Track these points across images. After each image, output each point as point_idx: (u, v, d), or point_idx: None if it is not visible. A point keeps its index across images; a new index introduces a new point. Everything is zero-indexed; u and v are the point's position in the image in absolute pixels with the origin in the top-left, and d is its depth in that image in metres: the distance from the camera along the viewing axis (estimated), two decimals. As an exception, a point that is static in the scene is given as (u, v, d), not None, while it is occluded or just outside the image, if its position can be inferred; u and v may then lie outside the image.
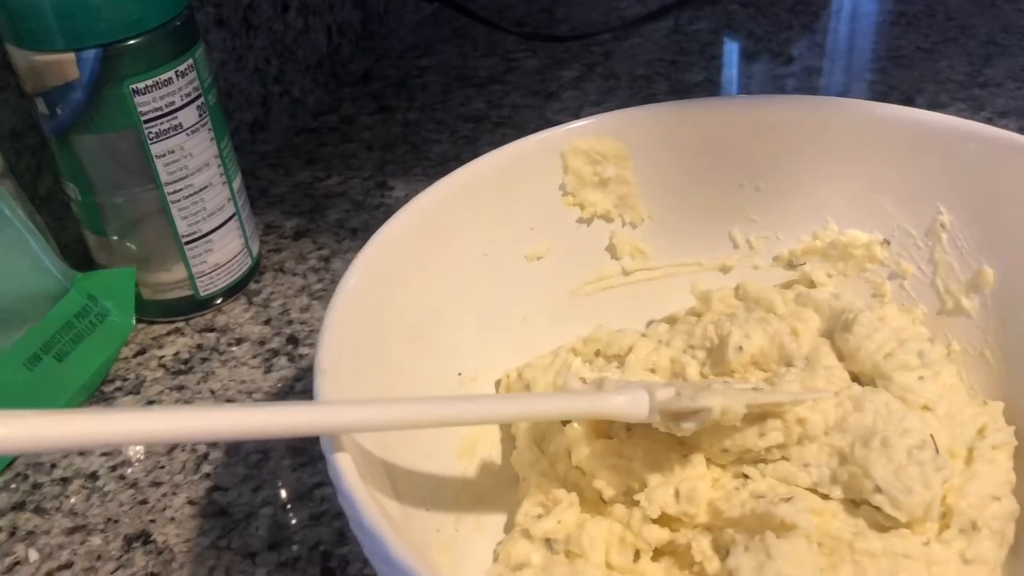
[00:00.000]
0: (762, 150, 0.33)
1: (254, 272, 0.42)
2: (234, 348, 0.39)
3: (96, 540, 0.31)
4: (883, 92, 0.54)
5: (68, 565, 0.30)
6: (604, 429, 0.28)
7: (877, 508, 0.25)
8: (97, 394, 0.37)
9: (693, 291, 0.34)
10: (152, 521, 0.31)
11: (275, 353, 0.38)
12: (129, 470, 0.33)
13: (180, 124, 0.36)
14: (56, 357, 0.35)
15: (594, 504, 0.27)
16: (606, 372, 0.31)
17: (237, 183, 0.40)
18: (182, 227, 0.38)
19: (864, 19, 0.64)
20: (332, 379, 0.23)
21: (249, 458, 0.33)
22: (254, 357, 0.38)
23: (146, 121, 0.35)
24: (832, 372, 0.28)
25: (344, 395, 0.23)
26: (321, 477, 0.32)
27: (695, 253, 0.34)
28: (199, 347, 0.39)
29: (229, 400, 0.36)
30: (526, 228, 0.32)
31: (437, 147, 0.52)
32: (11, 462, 0.34)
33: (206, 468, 0.33)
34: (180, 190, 0.37)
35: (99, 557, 0.30)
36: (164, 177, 0.36)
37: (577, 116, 0.40)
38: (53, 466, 0.34)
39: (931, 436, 0.26)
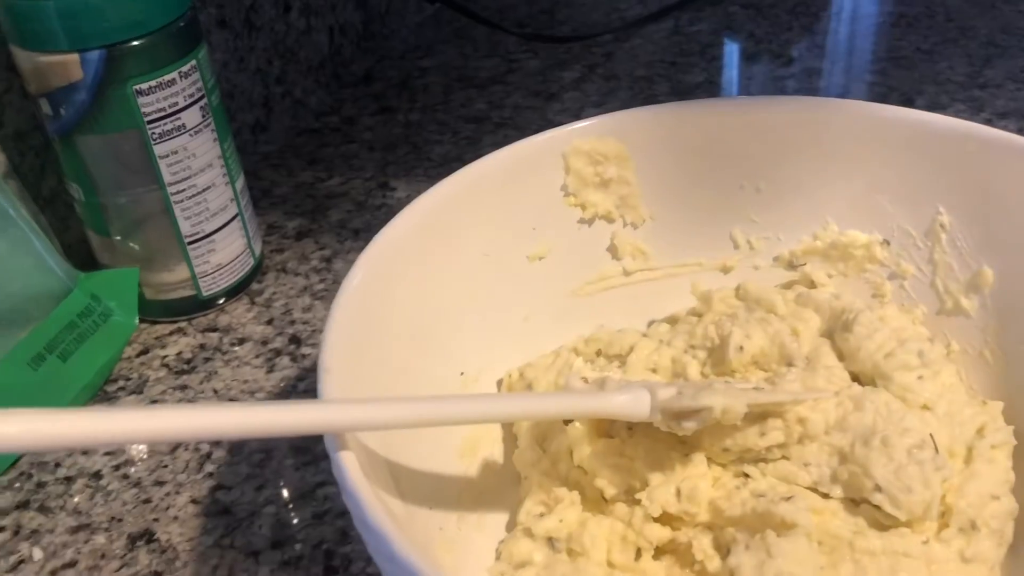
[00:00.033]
0: (762, 151, 0.33)
1: (256, 272, 0.43)
2: (237, 348, 0.39)
3: (100, 539, 0.31)
4: (883, 93, 0.54)
5: (72, 564, 0.30)
6: (606, 428, 0.28)
7: (877, 507, 0.25)
8: (100, 394, 0.37)
9: (694, 291, 0.34)
10: (156, 520, 0.31)
11: (277, 353, 0.38)
12: (132, 469, 0.34)
13: (183, 125, 0.36)
14: (60, 357, 0.35)
15: (596, 503, 0.27)
16: (607, 372, 0.31)
17: (240, 183, 0.40)
18: (185, 227, 0.38)
19: (864, 20, 0.64)
20: (336, 378, 0.23)
21: (252, 457, 0.33)
22: (257, 357, 0.38)
23: (149, 122, 0.35)
24: (832, 372, 0.28)
25: (348, 394, 0.23)
26: (324, 476, 0.32)
27: (696, 253, 0.34)
28: (202, 347, 0.39)
29: (232, 400, 0.36)
30: (528, 228, 0.32)
31: (439, 148, 0.52)
32: (15, 461, 0.34)
33: (209, 467, 0.33)
34: (183, 190, 0.37)
35: (103, 556, 0.30)
36: (167, 177, 0.37)
37: (578, 117, 0.40)
38: (57, 465, 0.34)
39: (931, 435, 0.26)
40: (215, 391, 0.37)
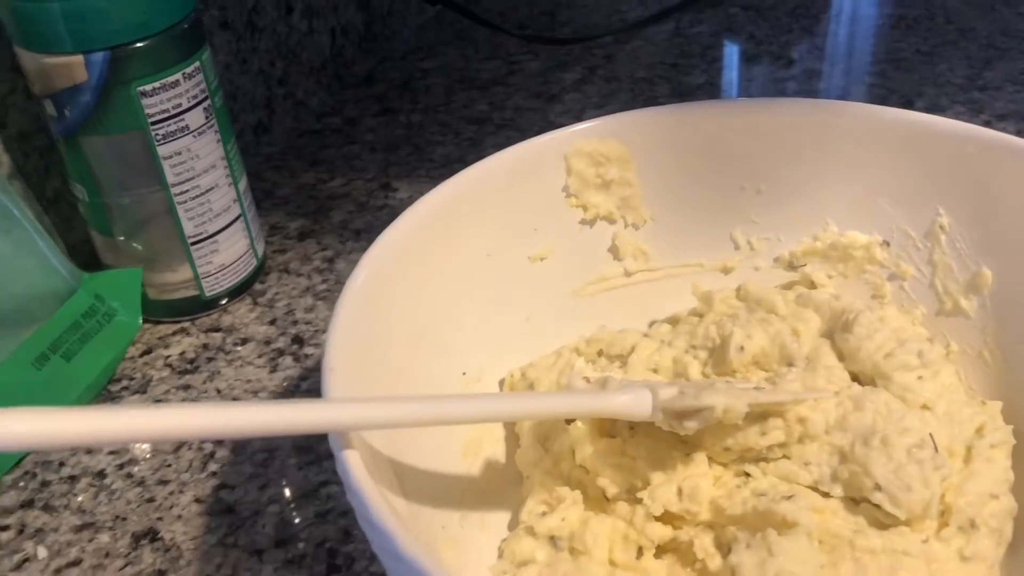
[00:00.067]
0: (763, 152, 0.33)
1: (259, 272, 0.43)
2: (239, 348, 0.39)
3: (104, 537, 0.31)
4: (883, 95, 0.54)
5: (77, 562, 0.30)
6: (607, 428, 0.28)
7: (877, 506, 0.25)
8: (104, 393, 0.37)
9: (695, 292, 0.34)
10: (159, 519, 0.32)
11: (280, 353, 0.39)
12: (136, 468, 0.34)
13: (187, 126, 0.36)
14: (64, 356, 0.35)
15: (598, 502, 0.27)
16: (609, 372, 0.31)
17: (243, 184, 0.40)
18: (188, 228, 0.38)
19: (864, 22, 0.65)
20: (340, 377, 0.23)
21: (255, 457, 0.34)
22: (259, 357, 0.39)
23: (153, 123, 0.35)
24: (832, 372, 0.28)
25: (352, 393, 0.23)
26: (327, 475, 0.33)
27: (697, 254, 0.35)
28: (205, 347, 0.39)
29: (235, 399, 0.36)
30: (530, 229, 0.32)
31: (440, 149, 0.53)
32: (19, 460, 0.34)
33: (213, 466, 0.33)
34: (187, 191, 0.37)
35: (107, 554, 0.30)
36: (171, 178, 0.37)
37: (579, 118, 0.41)
38: (61, 464, 0.34)
39: (930, 435, 0.26)
40: (218, 391, 0.37)
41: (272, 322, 0.40)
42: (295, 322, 0.40)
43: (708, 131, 0.33)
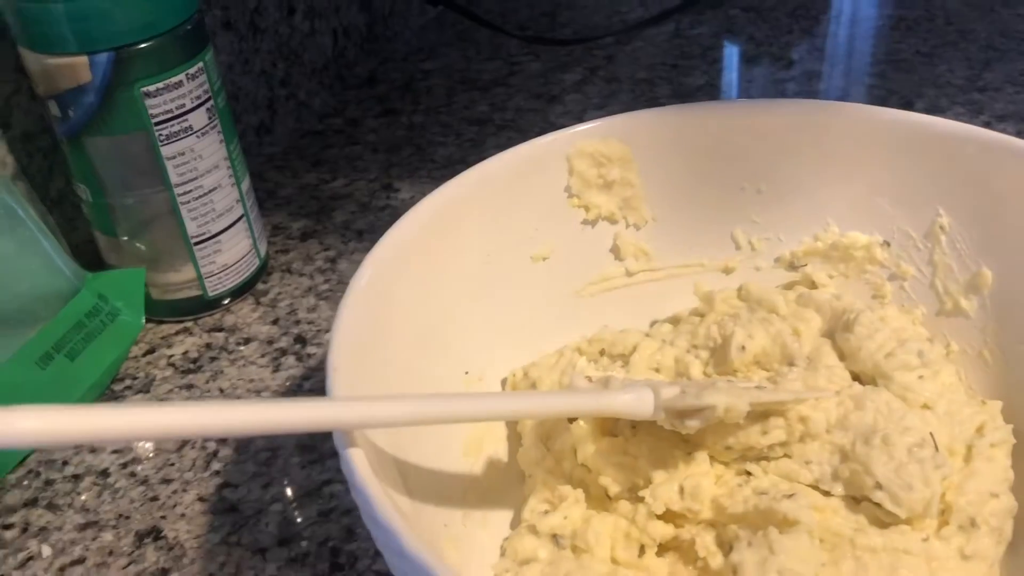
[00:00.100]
0: (763, 153, 0.33)
1: (262, 273, 0.43)
2: (242, 347, 0.39)
3: (108, 536, 0.31)
4: (883, 96, 0.54)
5: (80, 560, 0.30)
6: (609, 427, 0.28)
7: (878, 505, 0.25)
8: (107, 392, 0.37)
9: (696, 292, 0.34)
10: (163, 517, 0.32)
11: (283, 352, 0.39)
12: (140, 467, 0.34)
13: (190, 126, 0.36)
14: (68, 356, 0.35)
15: (600, 500, 0.28)
16: (611, 371, 0.31)
17: (245, 185, 0.41)
18: (191, 228, 0.38)
19: (864, 23, 0.65)
20: (344, 376, 0.23)
21: (258, 455, 0.34)
22: (262, 356, 0.39)
23: (157, 123, 0.35)
24: (833, 371, 0.29)
25: (355, 392, 0.23)
26: (330, 474, 0.33)
27: (698, 254, 0.35)
28: (208, 346, 0.39)
29: (238, 399, 0.37)
30: (531, 229, 0.33)
31: (442, 149, 0.53)
32: (23, 459, 0.34)
33: (216, 465, 0.34)
34: (190, 191, 0.37)
35: (111, 553, 0.31)
36: (174, 179, 0.37)
37: (580, 119, 0.41)
38: (65, 463, 0.34)
39: (931, 434, 0.26)
40: (221, 390, 0.37)
41: (275, 322, 0.41)
42: (297, 322, 0.41)
43: (709, 132, 0.33)
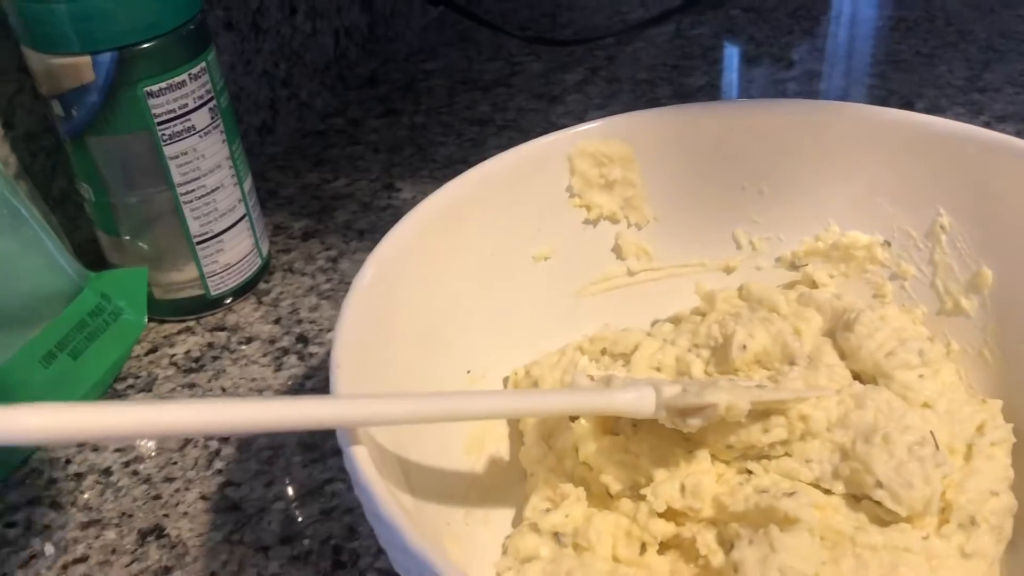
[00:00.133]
0: (764, 153, 0.33)
1: (264, 272, 0.43)
2: (244, 347, 0.39)
3: (111, 534, 0.31)
4: (883, 96, 0.54)
5: (83, 559, 0.30)
6: (611, 425, 0.28)
7: (878, 503, 0.25)
8: (110, 391, 0.38)
9: (697, 291, 0.34)
10: (165, 516, 0.32)
11: (285, 352, 0.39)
12: (142, 466, 0.34)
13: (193, 126, 0.37)
14: (71, 355, 0.35)
15: (601, 499, 0.28)
16: (612, 370, 0.32)
17: (248, 184, 0.41)
18: (194, 227, 0.38)
19: (864, 24, 0.65)
20: (347, 374, 0.23)
21: (261, 454, 0.34)
22: (264, 355, 0.39)
23: (160, 123, 0.36)
24: (834, 370, 0.29)
25: (358, 390, 0.23)
26: (331, 473, 0.33)
27: (699, 254, 0.35)
28: (210, 345, 0.40)
29: (242, 396, 0.37)
30: (533, 229, 0.33)
31: (443, 149, 0.53)
32: (26, 459, 0.34)
33: (218, 464, 0.34)
34: (192, 191, 0.38)
35: (114, 551, 0.31)
36: (177, 178, 0.37)
37: (581, 119, 0.41)
38: (68, 462, 0.34)
39: (931, 433, 0.26)
40: (223, 389, 0.37)
41: (276, 321, 0.41)
42: (299, 321, 0.41)
43: (710, 132, 0.33)
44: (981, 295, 0.31)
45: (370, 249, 0.28)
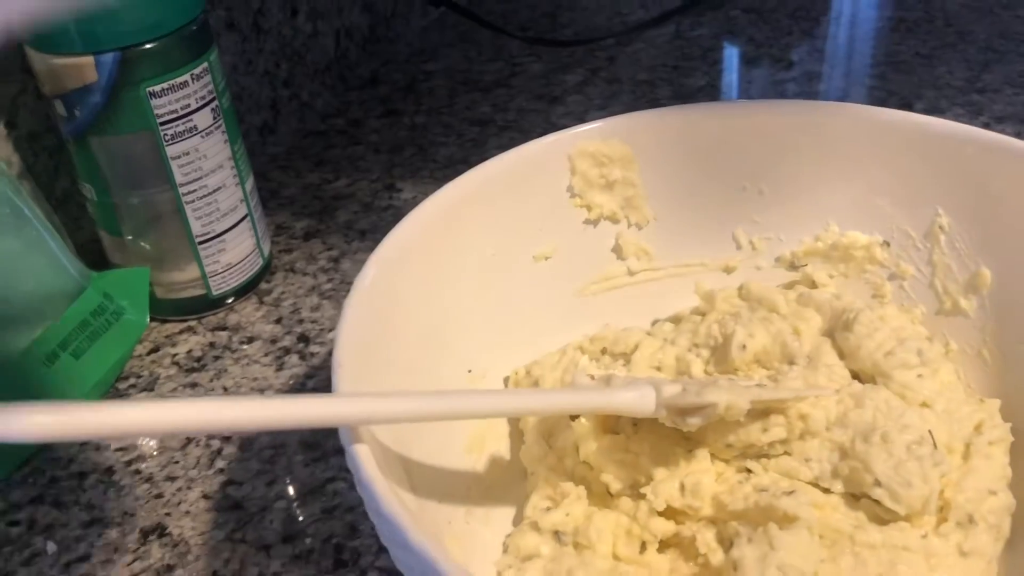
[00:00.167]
0: (764, 153, 0.34)
1: (265, 272, 0.43)
2: (246, 346, 0.39)
3: (113, 533, 0.31)
4: (882, 97, 0.54)
5: (86, 557, 0.31)
6: (611, 425, 0.28)
7: (877, 501, 0.26)
8: (112, 391, 0.38)
9: (697, 291, 0.34)
10: (167, 514, 0.32)
11: (286, 351, 0.39)
12: (144, 465, 0.34)
13: (195, 126, 0.37)
14: (73, 354, 0.35)
15: (601, 497, 0.28)
16: (612, 370, 0.32)
17: (249, 184, 0.41)
18: (196, 227, 0.38)
19: (864, 25, 0.65)
20: (349, 373, 0.24)
21: (263, 453, 0.34)
22: (266, 355, 0.39)
23: (162, 123, 0.36)
24: (833, 370, 0.29)
25: (360, 389, 0.24)
26: (333, 472, 0.33)
27: (699, 254, 0.35)
28: (212, 345, 0.40)
29: (244, 395, 0.37)
30: (534, 229, 0.33)
31: (444, 150, 0.53)
32: (28, 458, 0.34)
33: (220, 463, 0.34)
34: (194, 191, 0.38)
35: (116, 549, 0.31)
36: (179, 178, 0.37)
37: (582, 120, 0.41)
38: (70, 461, 0.34)
39: (929, 432, 0.26)
40: (225, 389, 0.37)
41: (278, 321, 0.41)
42: (301, 321, 0.41)
43: (710, 132, 0.33)
44: (980, 295, 0.31)
45: (371, 249, 0.28)
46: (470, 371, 0.31)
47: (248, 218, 0.41)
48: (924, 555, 0.25)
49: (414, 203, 0.30)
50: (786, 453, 0.27)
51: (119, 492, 0.33)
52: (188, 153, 0.37)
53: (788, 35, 0.64)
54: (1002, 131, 0.38)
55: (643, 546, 0.27)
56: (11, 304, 0.34)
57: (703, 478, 0.27)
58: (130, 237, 0.38)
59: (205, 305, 0.41)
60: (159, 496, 0.33)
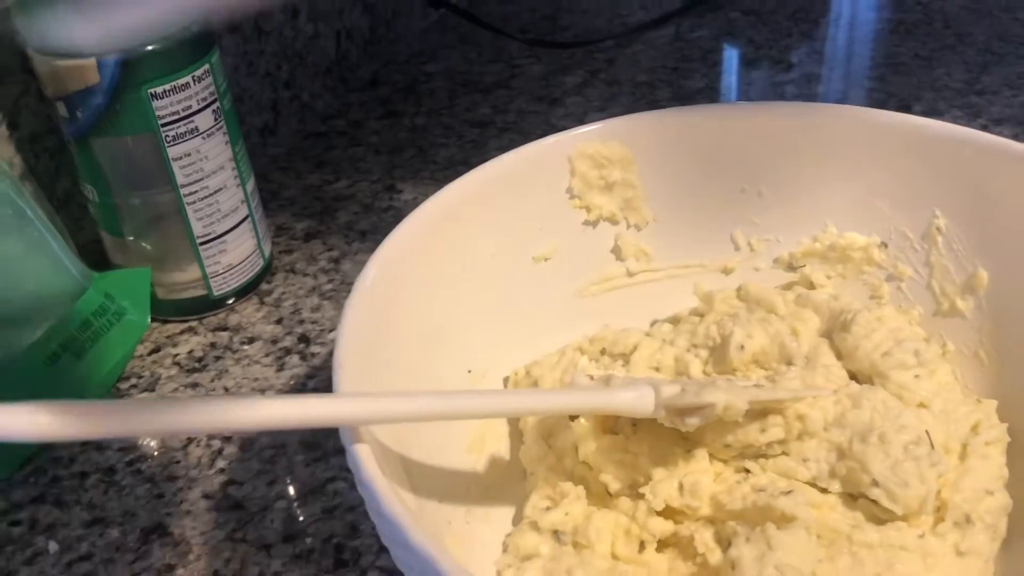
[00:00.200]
0: (763, 155, 0.34)
1: (266, 273, 0.43)
2: (247, 347, 0.40)
3: (114, 532, 0.32)
4: (881, 99, 0.55)
5: (87, 557, 0.31)
6: (610, 425, 0.29)
7: (874, 501, 0.26)
8: (113, 391, 0.38)
9: (696, 292, 0.35)
10: (168, 514, 0.32)
11: (287, 352, 0.39)
12: (145, 465, 0.34)
13: (196, 128, 0.37)
14: (75, 354, 0.35)
15: (600, 497, 0.28)
16: (612, 370, 0.32)
17: (250, 185, 0.41)
18: (197, 228, 0.39)
19: (863, 27, 0.65)
20: (349, 373, 0.24)
21: (263, 453, 0.34)
22: (266, 356, 0.39)
23: (164, 125, 0.36)
24: (831, 370, 0.29)
25: (361, 389, 0.24)
26: (333, 472, 0.33)
27: (698, 255, 0.35)
28: (212, 345, 0.40)
29: (245, 395, 0.37)
30: (534, 230, 0.33)
31: (444, 151, 0.53)
32: (30, 458, 0.35)
33: (221, 463, 0.34)
34: (195, 192, 0.38)
35: (117, 549, 0.31)
36: (180, 179, 0.37)
37: (581, 121, 0.41)
38: (71, 461, 0.35)
39: (926, 432, 0.27)
40: (226, 389, 0.38)
41: (279, 321, 0.41)
42: (301, 321, 0.41)
43: (709, 134, 0.34)
44: (977, 296, 0.31)
45: (372, 250, 0.28)
46: (470, 371, 0.31)
47: (249, 219, 0.41)
48: (921, 555, 0.25)
49: (414, 204, 0.30)
50: (784, 453, 0.27)
51: (120, 492, 0.33)
52: (189, 154, 0.37)
53: (787, 37, 0.64)
54: (1000, 133, 0.39)
55: (642, 545, 0.27)
56: (13, 304, 0.34)
57: (701, 478, 0.27)
58: (131, 238, 0.39)
59: (206, 306, 0.41)
60: (160, 496, 0.33)
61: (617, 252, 0.35)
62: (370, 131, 0.56)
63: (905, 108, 0.53)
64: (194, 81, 0.36)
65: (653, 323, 0.35)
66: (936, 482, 0.26)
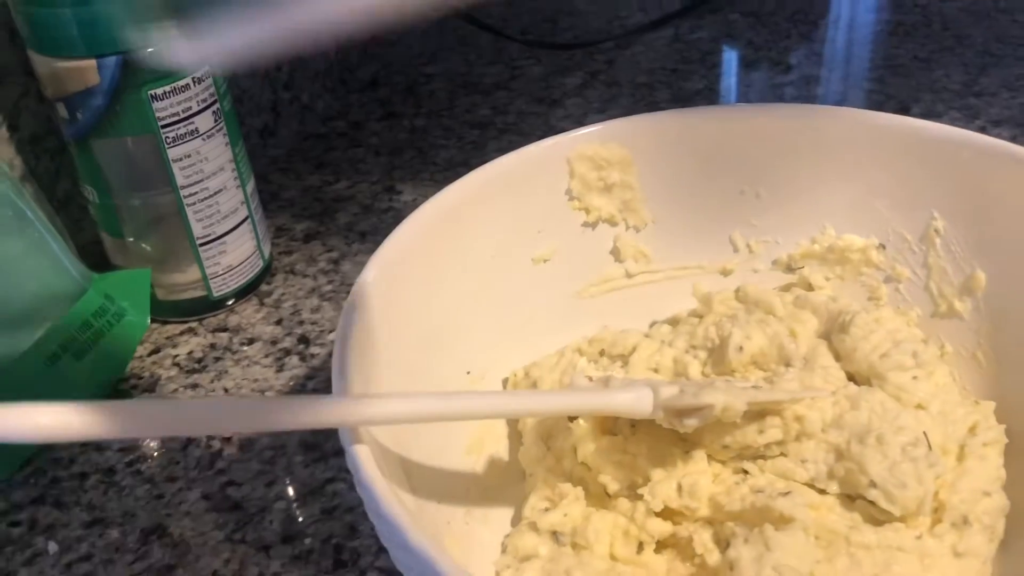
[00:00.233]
0: (762, 156, 0.34)
1: (266, 274, 0.43)
2: (246, 348, 0.40)
3: (114, 533, 0.32)
4: (880, 101, 0.55)
5: (87, 557, 0.31)
6: (609, 426, 0.29)
7: (872, 503, 0.26)
8: (113, 392, 0.38)
9: (695, 293, 0.35)
10: (168, 515, 0.32)
11: (287, 353, 0.39)
12: (145, 465, 0.34)
13: (196, 129, 0.37)
14: (74, 355, 0.35)
15: (599, 498, 0.28)
16: (610, 371, 0.32)
17: (250, 186, 0.41)
18: (197, 229, 0.39)
19: (862, 29, 0.65)
20: (349, 374, 0.24)
21: (262, 454, 0.34)
22: (266, 356, 0.39)
23: (164, 126, 0.36)
24: (829, 372, 0.29)
25: (360, 390, 0.24)
26: (333, 473, 0.33)
27: (697, 256, 0.35)
28: (212, 346, 0.40)
29: (245, 396, 0.37)
30: (533, 231, 0.33)
31: (444, 152, 0.53)
32: (30, 458, 0.35)
33: (220, 464, 0.34)
34: (195, 193, 0.38)
35: (117, 549, 0.31)
36: (180, 180, 0.37)
37: (581, 123, 0.41)
38: (71, 461, 0.35)
39: (924, 433, 0.27)
40: (225, 390, 0.38)
41: (278, 322, 0.41)
42: (301, 322, 0.41)
43: (708, 135, 0.34)
44: (975, 298, 0.31)
45: (371, 251, 0.28)
46: (469, 372, 0.31)
47: (249, 220, 0.41)
48: (919, 556, 0.25)
49: (414, 205, 0.30)
50: (782, 454, 0.27)
51: (120, 492, 0.33)
52: (189, 156, 0.37)
53: (786, 39, 0.64)
54: (998, 135, 0.39)
55: (640, 546, 0.27)
56: (13, 305, 0.34)
57: (700, 479, 0.27)
58: (131, 239, 0.39)
59: (206, 307, 0.41)
60: (160, 496, 0.33)
61: (616, 253, 0.35)
62: (370, 132, 0.56)
63: (904, 110, 0.53)
64: (194, 83, 0.36)
65: (652, 324, 0.35)
66: (934, 483, 0.26)
